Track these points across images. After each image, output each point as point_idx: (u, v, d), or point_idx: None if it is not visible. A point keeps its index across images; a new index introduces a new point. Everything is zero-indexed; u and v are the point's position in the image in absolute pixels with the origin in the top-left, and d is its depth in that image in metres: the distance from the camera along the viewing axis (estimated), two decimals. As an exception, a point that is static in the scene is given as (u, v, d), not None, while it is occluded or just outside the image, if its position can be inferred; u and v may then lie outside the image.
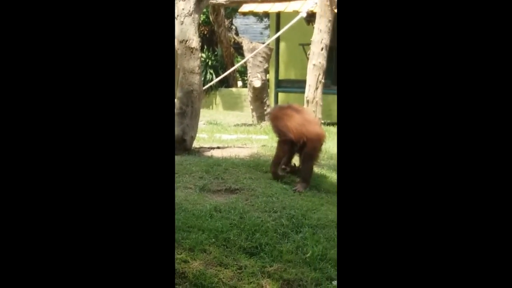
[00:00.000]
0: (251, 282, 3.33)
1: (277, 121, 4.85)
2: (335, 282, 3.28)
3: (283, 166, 4.97)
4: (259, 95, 8.94)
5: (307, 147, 4.69)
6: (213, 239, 3.62)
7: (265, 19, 17.05)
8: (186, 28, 5.61)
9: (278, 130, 4.81)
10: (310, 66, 8.03)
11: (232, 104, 14.01)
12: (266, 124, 8.01)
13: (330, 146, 6.87)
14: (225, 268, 3.41)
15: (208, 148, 6.17)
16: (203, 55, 14.71)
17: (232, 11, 15.34)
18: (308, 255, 3.51)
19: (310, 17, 9.19)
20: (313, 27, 8.29)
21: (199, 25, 13.86)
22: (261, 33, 18.52)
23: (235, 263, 3.46)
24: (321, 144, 4.91)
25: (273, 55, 10.05)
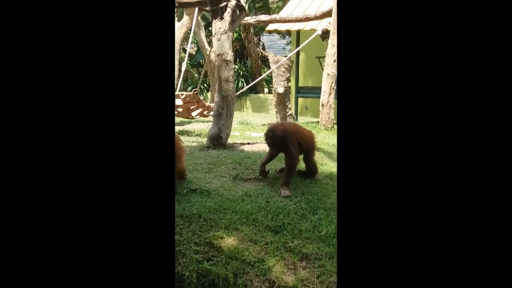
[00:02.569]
0: (275, 255, 3.33)
1: (292, 137, 4.27)
2: None
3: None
4: (282, 99, 8.91)
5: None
6: (244, 219, 3.63)
7: (287, 36, 16.99)
8: (222, 44, 5.62)
9: (293, 148, 4.22)
10: (324, 75, 8.02)
11: (260, 107, 13.98)
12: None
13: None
14: (254, 244, 3.41)
15: (240, 143, 6.17)
16: (236, 66, 14.71)
17: (259, 29, 15.31)
18: (323, 233, 3.50)
19: (325, 34, 9.14)
20: (327, 43, 8.26)
21: (233, 41, 13.91)
22: (284, 48, 18.45)
23: (263, 239, 3.46)
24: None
25: (293, 66, 10.01)
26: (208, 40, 10.82)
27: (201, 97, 7.56)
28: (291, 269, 3.29)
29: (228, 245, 3.37)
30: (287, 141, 4.16)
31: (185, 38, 9.77)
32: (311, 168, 4.51)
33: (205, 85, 14.49)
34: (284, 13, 11.46)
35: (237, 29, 14.43)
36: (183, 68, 8.76)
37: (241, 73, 14.95)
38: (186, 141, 5.61)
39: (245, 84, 14.08)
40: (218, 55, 5.66)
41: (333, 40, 7.86)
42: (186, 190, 4.07)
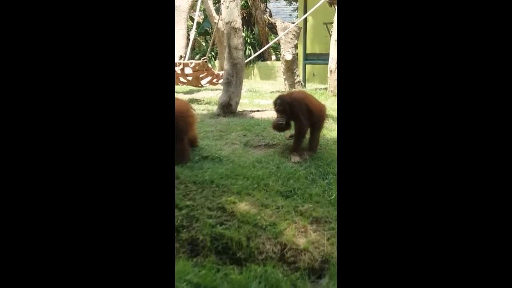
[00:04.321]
0: (287, 219, 3.38)
1: (300, 104, 4.18)
2: None
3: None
4: (290, 66, 8.86)
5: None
6: (256, 185, 3.67)
7: (294, 3, 16.73)
8: (230, 11, 5.55)
9: (302, 115, 4.15)
10: (332, 41, 7.91)
11: (268, 75, 13.90)
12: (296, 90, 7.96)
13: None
14: (266, 208, 3.46)
15: (250, 111, 6.17)
16: (243, 34, 14.54)
17: (266, -4, 15.09)
18: (333, 197, 3.54)
19: (332, 0, 8.97)
20: (335, 9, 8.12)
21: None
22: (290, 15, 18.19)
23: (274, 204, 3.50)
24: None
25: (301, 33, 9.88)
26: (215, 7, 10.68)
27: (210, 65, 7.51)
28: (302, 232, 3.34)
29: (240, 209, 3.41)
30: (295, 108, 4.12)
31: (192, 7, 9.63)
32: (311, 145, 4.29)
33: (213, 53, 14.39)
34: (291, -21, 11.25)
35: (244, -4, 14.22)
36: (192, 37, 8.68)
37: (248, 40, 14.80)
38: (196, 109, 5.62)
39: (252, 51, 13.96)
40: (227, 23, 5.60)
41: (340, 6, 7.74)
42: (198, 157, 4.10)
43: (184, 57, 8.78)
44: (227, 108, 5.65)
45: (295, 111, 4.12)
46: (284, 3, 18.20)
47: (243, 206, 3.44)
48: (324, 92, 8.09)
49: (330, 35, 8.15)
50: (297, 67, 9.13)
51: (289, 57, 8.68)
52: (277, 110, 4.17)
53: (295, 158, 4.11)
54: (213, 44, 11.59)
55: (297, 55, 9.25)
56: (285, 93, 4.51)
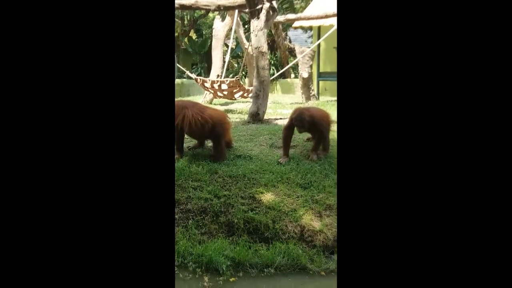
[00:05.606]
0: (305, 206, 3.38)
1: (319, 117, 4.20)
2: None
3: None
4: (306, 83, 8.83)
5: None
6: (280, 178, 3.69)
7: (309, 31, 16.66)
8: (258, 39, 5.59)
9: (321, 125, 4.16)
10: (341, 62, 7.82)
11: (288, 90, 13.84)
12: (312, 103, 7.94)
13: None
14: (288, 197, 3.47)
15: (274, 119, 6.18)
16: (268, 57, 14.50)
17: (287, 26, 15.06)
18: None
19: (341, 28, 8.88)
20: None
21: (265, 36, 13.67)
22: (306, 41, 18.10)
23: (294, 193, 3.51)
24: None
25: (315, 55, 9.84)
26: (245, 35, 10.72)
27: (241, 82, 7.56)
28: (317, 216, 3.35)
29: (267, 198, 3.44)
30: (314, 120, 4.09)
31: (227, 35, 9.69)
32: (325, 147, 4.28)
33: (243, 72, 14.44)
34: (307, 12, 11.21)
35: (269, 26, 14.16)
36: (226, 59, 8.75)
37: (272, 62, 14.78)
38: (231, 118, 5.66)
39: (275, 71, 13.94)
40: (256, 48, 5.63)
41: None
42: (233, 156, 4.14)
43: (221, 76, 8.84)
44: (256, 116, 5.68)
45: (314, 123, 4.07)
46: (301, 31, 18.14)
47: (269, 196, 3.47)
48: (335, 103, 8.04)
49: (339, 57, 8.07)
50: (312, 83, 9.09)
51: (305, 75, 8.66)
52: (297, 126, 4.09)
53: (313, 157, 4.10)
54: (244, 65, 11.64)
55: (312, 74, 9.21)
56: (304, 109, 4.38)
